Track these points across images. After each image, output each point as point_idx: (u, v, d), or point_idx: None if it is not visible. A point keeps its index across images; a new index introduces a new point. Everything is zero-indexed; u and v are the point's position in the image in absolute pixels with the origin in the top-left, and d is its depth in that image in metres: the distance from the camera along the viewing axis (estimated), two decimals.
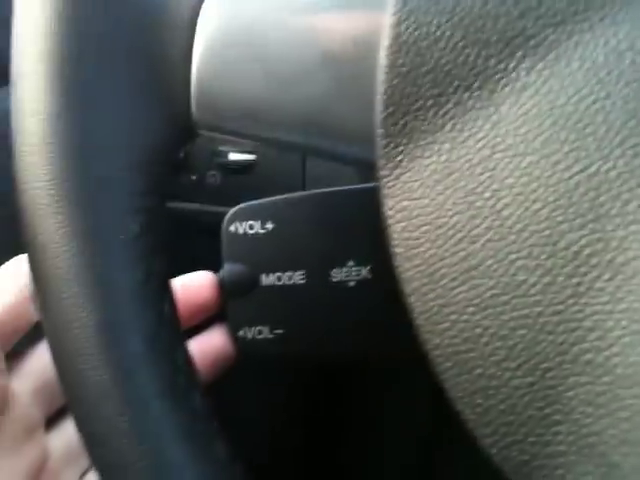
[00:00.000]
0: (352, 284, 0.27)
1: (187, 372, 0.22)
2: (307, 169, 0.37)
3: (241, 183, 0.39)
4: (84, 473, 0.29)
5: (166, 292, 0.22)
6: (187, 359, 0.22)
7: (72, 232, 0.20)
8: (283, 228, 0.28)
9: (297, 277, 0.27)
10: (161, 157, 0.22)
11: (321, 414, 0.52)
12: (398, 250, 0.18)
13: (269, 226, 0.28)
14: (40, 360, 0.28)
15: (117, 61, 0.21)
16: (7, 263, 0.27)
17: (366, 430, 0.52)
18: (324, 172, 0.37)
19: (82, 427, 0.21)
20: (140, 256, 0.21)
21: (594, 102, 0.15)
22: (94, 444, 0.21)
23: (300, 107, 0.20)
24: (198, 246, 0.36)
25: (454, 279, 0.17)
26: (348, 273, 0.27)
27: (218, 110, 0.21)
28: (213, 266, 0.29)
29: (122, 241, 0.20)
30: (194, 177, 0.40)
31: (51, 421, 0.29)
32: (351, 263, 0.27)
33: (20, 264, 0.26)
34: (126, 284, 0.20)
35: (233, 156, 0.39)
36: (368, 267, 0.27)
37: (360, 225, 0.27)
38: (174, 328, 0.22)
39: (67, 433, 0.29)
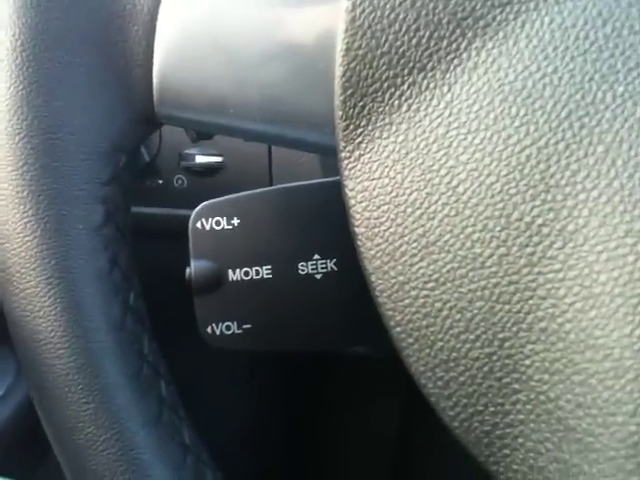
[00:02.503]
0: (319, 277, 0.28)
1: (152, 361, 0.22)
2: (273, 170, 0.38)
3: (208, 186, 0.39)
4: None
5: (131, 282, 0.22)
6: (152, 348, 0.22)
7: (35, 221, 0.20)
8: (249, 223, 0.28)
9: (264, 272, 0.28)
10: (123, 147, 0.22)
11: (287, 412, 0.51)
12: (360, 230, 0.18)
13: (235, 222, 0.28)
14: None
15: (77, 54, 0.21)
16: None
17: (335, 429, 0.52)
18: (290, 173, 0.37)
19: (48, 417, 0.21)
20: (104, 245, 0.21)
21: (542, 78, 0.16)
22: (60, 434, 0.21)
23: (260, 95, 0.21)
24: (165, 250, 0.36)
25: (414, 255, 0.18)
26: (315, 266, 0.28)
27: (180, 101, 0.22)
28: (180, 269, 0.30)
29: (85, 230, 0.20)
30: (160, 181, 0.40)
31: None
32: (317, 256, 0.28)
33: None
34: (90, 273, 0.20)
35: (200, 159, 0.39)
36: (334, 260, 0.28)
37: (324, 218, 0.27)
38: (139, 318, 0.22)
39: None
